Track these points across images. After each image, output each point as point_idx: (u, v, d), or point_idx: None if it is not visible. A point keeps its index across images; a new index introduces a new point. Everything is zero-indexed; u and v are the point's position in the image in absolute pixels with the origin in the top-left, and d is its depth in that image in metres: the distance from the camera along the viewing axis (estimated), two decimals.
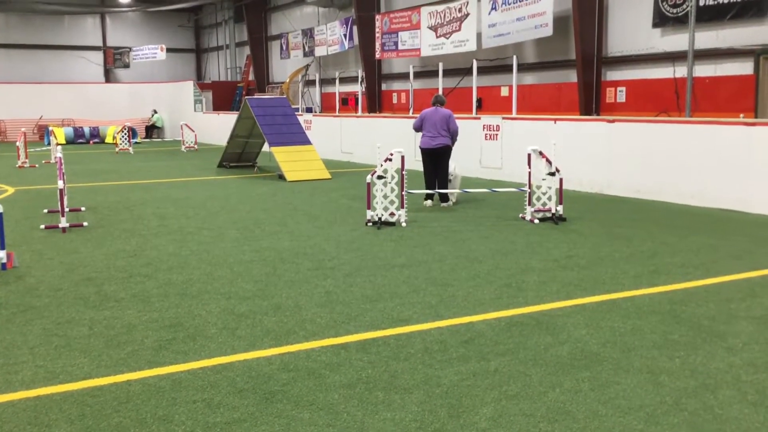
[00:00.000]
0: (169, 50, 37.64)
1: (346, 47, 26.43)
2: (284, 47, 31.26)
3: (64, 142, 30.59)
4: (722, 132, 11.54)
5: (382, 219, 10.08)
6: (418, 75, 22.46)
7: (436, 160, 11.81)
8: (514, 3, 18.28)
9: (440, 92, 20.12)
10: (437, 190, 11.76)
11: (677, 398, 4.25)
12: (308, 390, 4.41)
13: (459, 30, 20.55)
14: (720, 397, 4.25)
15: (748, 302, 6.20)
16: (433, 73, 20.92)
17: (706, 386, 4.41)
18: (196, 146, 27.26)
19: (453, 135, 11.87)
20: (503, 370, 4.70)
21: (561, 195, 10.39)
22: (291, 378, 4.60)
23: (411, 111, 21.74)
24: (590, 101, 17.33)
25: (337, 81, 25.43)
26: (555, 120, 14.79)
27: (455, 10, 20.64)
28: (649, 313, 5.89)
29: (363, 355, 4.99)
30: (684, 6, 14.95)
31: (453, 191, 11.94)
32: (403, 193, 10.25)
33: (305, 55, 29.51)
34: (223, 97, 36.25)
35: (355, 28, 25.43)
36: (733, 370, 4.67)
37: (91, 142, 32.07)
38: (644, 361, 4.83)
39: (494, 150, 16.11)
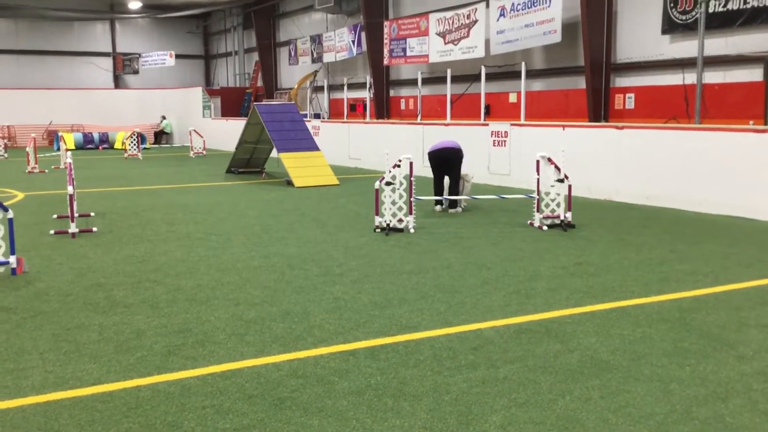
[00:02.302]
0: (178, 56, 37.78)
1: (355, 53, 26.47)
2: (293, 53, 31.34)
3: (73, 147, 30.74)
4: (732, 139, 11.51)
5: (391, 225, 10.07)
6: (427, 81, 22.47)
7: (444, 165, 11.79)
8: (522, 10, 18.28)
9: (448, 97, 20.19)
10: (445, 197, 11.76)
11: (688, 407, 4.23)
12: (317, 396, 4.41)
13: (467, 36, 20.55)
14: (731, 406, 4.23)
15: (759, 310, 6.17)
16: (442, 80, 20.93)
17: (716, 395, 4.39)
18: (204, 152, 27.34)
19: None
20: (512, 377, 4.69)
21: (570, 201, 10.37)
22: (300, 384, 4.60)
23: (419, 117, 21.75)
24: (599, 108, 17.29)
25: (345, 87, 25.47)
26: (563, 126, 14.77)
27: (463, 16, 20.65)
28: (659, 321, 5.87)
29: (372, 362, 4.98)
30: (693, 13, 14.92)
31: (462, 197, 11.91)
32: (412, 199, 10.24)
33: (314, 61, 29.58)
34: (232, 103, 36.34)
35: (363, 34, 25.47)
36: (743, 378, 4.65)
37: (100, 147, 32.21)
38: (654, 369, 4.81)
39: (502, 156, 16.09)
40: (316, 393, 4.46)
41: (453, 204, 11.91)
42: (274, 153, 18.46)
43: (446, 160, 11.78)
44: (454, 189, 11.82)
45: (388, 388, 4.52)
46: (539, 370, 4.81)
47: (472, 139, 16.55)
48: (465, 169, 12.10)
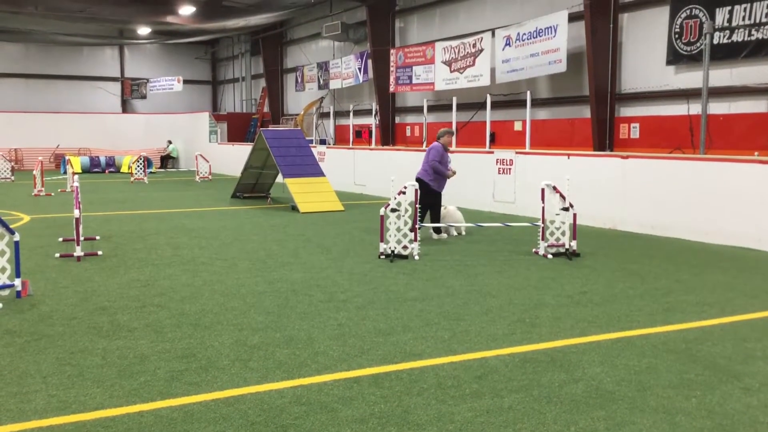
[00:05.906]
0: (185, 82, 38.10)
1: (361, 80, 26.66)
2: (299, 80, 31.58)
3: (80, 171, 30.87)
4: (736, 169, 11.52)
5: (395, 252, 10.07)
6: (432, 109, 22.60)
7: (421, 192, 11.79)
8: (528, 39, 18.42)
9: (453, 126, 20.26)
10: (431, 224, 11.79)
11: None
12: (321, 424, 4.38)
13: (473, 65, 20.70)
14: None
15: (765, 342, 6.13)
16: (447, 107, 21.05)
17: (722, 427, 4.35)
18: (210, 177, 27.43)
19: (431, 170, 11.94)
20: (517, 407, 4.66)
21: (574, 230, 10.37)
22: (303, 412, 4.58)
23: (424, 144, 21.82)
24: (603, 137, 17.35)
25: (351, 113, 25.61)
26: (568, 155, 14.81)
27: (469, 45, 20.81)
28: (665, 352, 5.84)
29: (376, 390, 4.96)
30: (698, 44, 15.01)
31: (442, 225, 11.95)
32: (417, 226, 10.25)
33: (320, 87, 29.79)
34: (238, 129, 36.55)
35: (369, 61, 25.67)
36: (749, 411, 4.61)
37: (106, 171, 32.36)
38: (660, 401, 4.78)
39: (507, 184, 16.12)
40: (319, 421, 4.44)
41: (437, 230, 12.00)
42: (279, 178, 18.52)
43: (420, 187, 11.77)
44: (435, 216, 11.89)
45: (392, 417, 4.50)
46: (544, 399, 4.79)
47: (478, 167, 16.62)
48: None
